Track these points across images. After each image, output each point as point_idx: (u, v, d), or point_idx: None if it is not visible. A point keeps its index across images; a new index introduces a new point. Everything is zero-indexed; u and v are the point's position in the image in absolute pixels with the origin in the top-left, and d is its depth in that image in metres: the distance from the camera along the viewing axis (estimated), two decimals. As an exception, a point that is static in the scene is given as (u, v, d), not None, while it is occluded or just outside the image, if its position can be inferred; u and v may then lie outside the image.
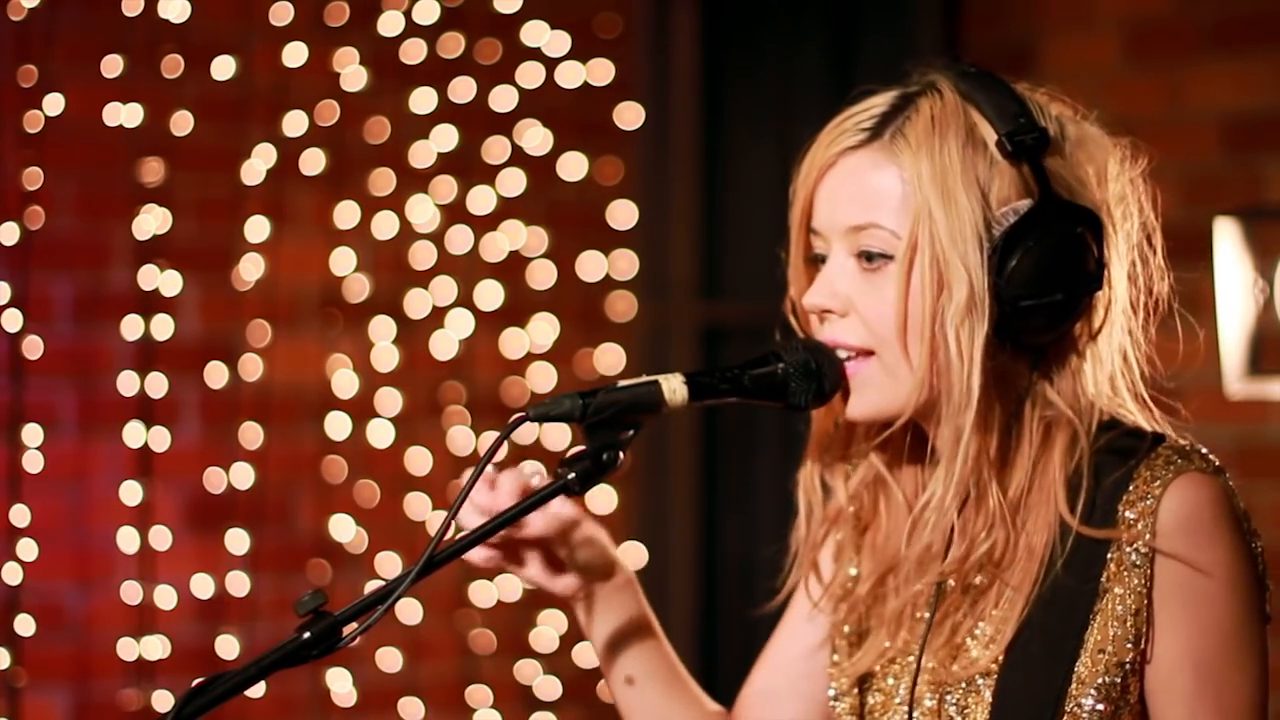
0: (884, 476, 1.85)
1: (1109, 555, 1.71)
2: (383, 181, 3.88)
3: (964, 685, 1.77)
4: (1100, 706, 1.70)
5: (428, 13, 3.83)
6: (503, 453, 1.70)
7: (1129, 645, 1.70)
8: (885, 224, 1.73)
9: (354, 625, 1.63)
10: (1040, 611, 1.73)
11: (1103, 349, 1.79)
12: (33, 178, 3.34)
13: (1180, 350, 1.86)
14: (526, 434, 3.78)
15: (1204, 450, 1.75)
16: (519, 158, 4.00)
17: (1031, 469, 1.75)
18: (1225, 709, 1.70)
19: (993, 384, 1.73)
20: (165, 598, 3.54)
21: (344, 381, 3.86)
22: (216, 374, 3.69)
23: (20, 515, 3.32)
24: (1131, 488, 1.72)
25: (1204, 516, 1.70)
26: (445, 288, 3.94)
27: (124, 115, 3.46)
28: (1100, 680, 1.70)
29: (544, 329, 4.05)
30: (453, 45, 3.90)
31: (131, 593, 3.49)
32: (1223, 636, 1.70)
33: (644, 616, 1.96)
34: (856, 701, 1.85)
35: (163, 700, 3.46)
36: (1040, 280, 1.72)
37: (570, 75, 4.03)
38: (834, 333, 1.77)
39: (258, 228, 3.70)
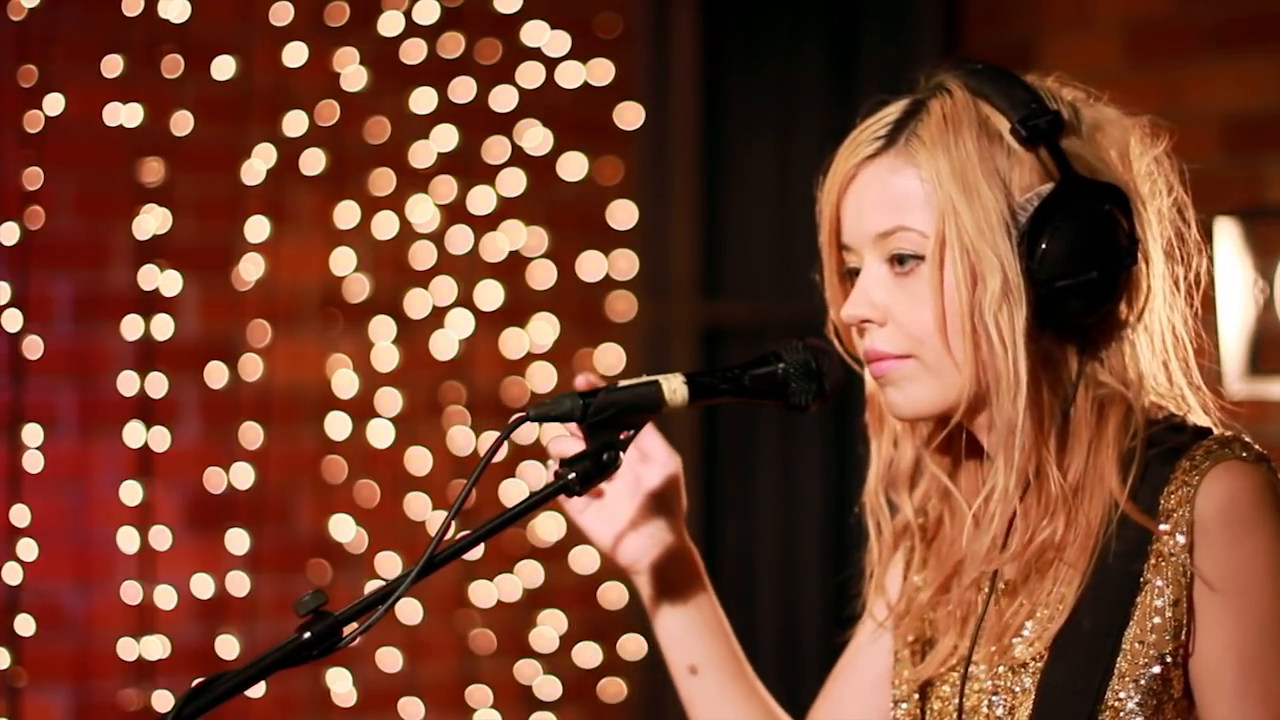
0: (947, 486, 1.85)
1: (1150, 547, 1.71)
2: (383, 181, 3.88)
3: (1010, 682, 1.76)
4: (1141, 700, 1.69)
5: (428, 13, 3.83)
6: (503, 453, 1.70)
7: (1168, 637, 1.69)
8: (912, 225, 1.73)
9: (354, 625, 1.63)
10: (1086, 604, 1.73)
11: (1152, 325, 1.78)
12: (33, 178, 3.34)
13: (1205, 343, 1.86)
14: (526, 434, 3.77)
15: (1247, 439, 1.74)
16: (519, 158, 4.00)
17: (1088, 450, 1.75)
18: (1273, 702, 1.68)
19: (1041, 369, 1.73)
20: (165, 598, 3.54)
21: (344, 381, 3.86)
22: (216, 374, 3.69)
23: (20, 515, 3.32)
24: (1172, 479, 1.71)
25: (1242, 504, 1.69)
26: (445, 288, 3.94)
27: (124, 115, 3.46)
28: (1140, 674, 1.69)
29: (544, 329, 4.05)
30: (453, 45, 3.90)
31: (131, 593, 3.49)
32: (1266, 627, 1.68)
33: (711, 604, 1.98)
34: (917, 708, 1.84)
35: (163, 700, 3.46)
36: (1073, 259, 1.71)
37: (570, 75, 4.03)
38: (873, 342, 1.76)
39: (258, 228, 3.70)
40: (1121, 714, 1.70)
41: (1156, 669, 1.69)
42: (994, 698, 1.77)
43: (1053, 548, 1.75)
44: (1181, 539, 1.69)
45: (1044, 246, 1.71)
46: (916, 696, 1.84)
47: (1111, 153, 1.78)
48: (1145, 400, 1.76)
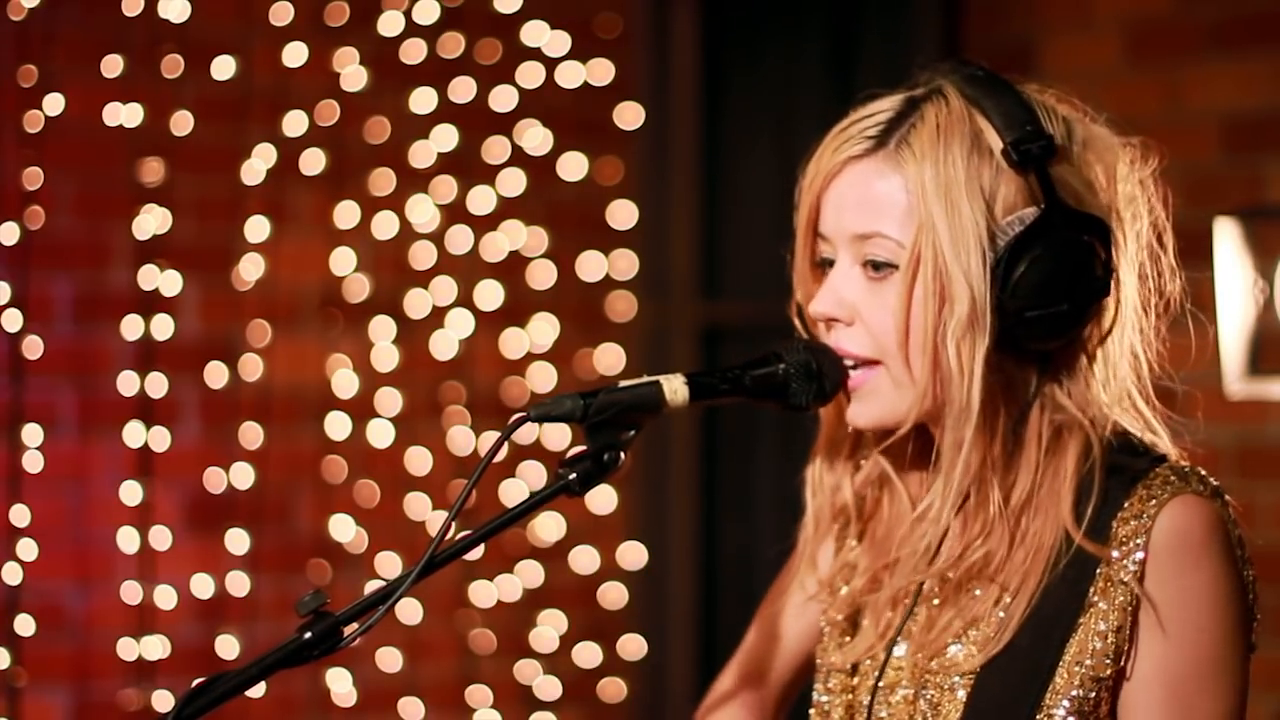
0: (889, 475, 1.86)
1: (1098, 570, 1.71)
2: (383, 181, 3.88)
3: (940, 681, 1.77)
4: (1071, 718, 1.70)
5: (428, 13, 3.83)
6: (503, 453, 1.70)
7: (1108, 660, 1.70)
8: (890, 233, 1.74)
9: (354, 625, 1.63)
10: (1030, 620, 1.73)
11: (1112, 349, 1.79)
12: (33, 178, 3.34)
13: (1193, 347, 1.86)
14: (527, 434, 3.77)
15: (1204, 473, 1.75)
16: (519, 158, 4.00)
17: (1038, 472, 1.75)
18: None
19: (998, 393, 1.74)
20: (165, 598, 3.54)
21: (344, 381, 3.86)
22: (216, 374, 3.69)
23: (20, 515, 3.31)
24: (1127, 505, 1.71)
25: (1195, 539, 1.70)
26: (445, 288, 3.94)
27: (124, 115, 3.46)
28: (1075, 692, 1.70)
29: (544, 329, 4.05)
30: (453, 45, 3.90)
31: (131, 593, 3.49)
32: (1199, 659, 1.69)
33: None
34: (849, 679, 1.87)
35: (163, 700, 3.45)
36: (1046, 291, 1.71)
37: (570, 75, 4.03)
38: (839, 341, 1.78)
39: (258, 228, 3.70)
40: None
41: (1091, 691, 1.70)
42: (923, 692, 1.78)
43: (987, 568, 1.75)
44: (1133, 567, 1.70)
45: (1018, 276, 1.70)
46: (850, 668, 1.86)
47: (1098, 170, 1.77)
48: (1105, 427, 1.76)
